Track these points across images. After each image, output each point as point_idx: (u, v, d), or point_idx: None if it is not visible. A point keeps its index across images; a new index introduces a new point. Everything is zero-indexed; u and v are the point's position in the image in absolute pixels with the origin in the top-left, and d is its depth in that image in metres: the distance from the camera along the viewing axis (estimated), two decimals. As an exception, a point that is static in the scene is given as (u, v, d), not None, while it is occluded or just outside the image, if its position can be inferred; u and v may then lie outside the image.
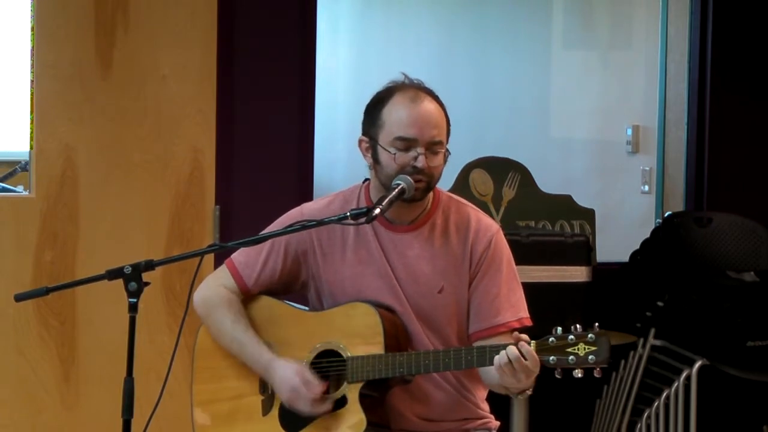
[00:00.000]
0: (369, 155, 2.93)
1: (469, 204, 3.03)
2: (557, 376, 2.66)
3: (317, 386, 2.86)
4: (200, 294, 3.05)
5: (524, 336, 2.69)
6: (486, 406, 3.05)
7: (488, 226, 2.98)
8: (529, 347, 2.64)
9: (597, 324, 2.64)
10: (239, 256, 3.04)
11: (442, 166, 2.90)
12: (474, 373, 2.98)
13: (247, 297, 3.03)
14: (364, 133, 2.95)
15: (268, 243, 2.97)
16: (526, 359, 2.64)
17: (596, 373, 2.62)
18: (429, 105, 2.88)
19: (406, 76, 2.94)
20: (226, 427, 3.00)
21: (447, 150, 2.90)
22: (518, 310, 2.94)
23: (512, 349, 2.65)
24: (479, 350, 2.77)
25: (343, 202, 3.01)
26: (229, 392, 3.01)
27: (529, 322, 2.94)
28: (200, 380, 3.06)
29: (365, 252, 2.96)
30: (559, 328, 2.65)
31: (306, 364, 2.91)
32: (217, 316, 3.01)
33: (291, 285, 3.05)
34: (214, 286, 3.04)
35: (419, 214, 2.96)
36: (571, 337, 2.63)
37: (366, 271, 2.95)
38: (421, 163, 2.84)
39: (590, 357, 2.61)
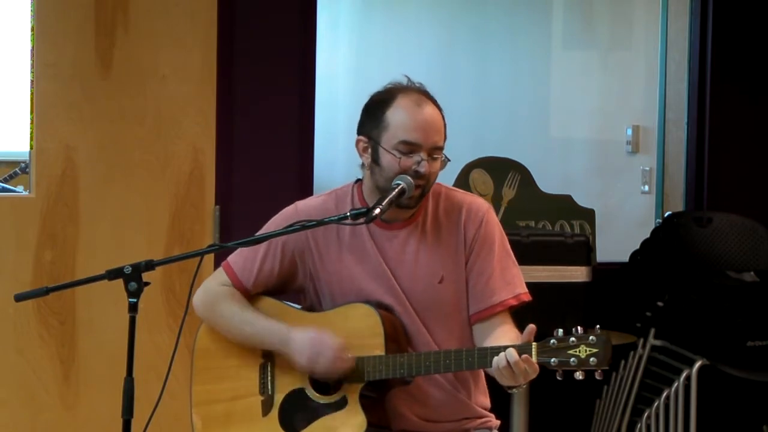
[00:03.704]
0: (367, 155, 2.92)
1: (458, 189, 3.04)
2: (558, 377, 2.65)
3: (338, 342, 2.85)
4: (200, 296, 3.05)
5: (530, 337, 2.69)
6: (487, 405, 3.05)
7: (479, 206, 2.98)
8: (530, 357, 2.64)
9: (598, 326, 2.64)
10: (236, 258, 3.04)
11: (438, 172, 2.91)
12: (474, 373, 2.98)
13: (245, 297, 3.03)
14: (362, 133, 2.93)
15: (265, 244, 2.96)
16: (524, 363, 2.64)
17: (597, 375, 2.62)
18: (432, 111, 2.89)
19: (408, 78, 2.93)
20: (226, 428, 2.99)
21: (445, 156, 2.90)
22: (514, 287, 2.94)
23: (512, 353, 2.65)
24: (480, 352, 2.77)
25: (337, 201, 3.00)
26: (229, 393, 3.01)
27: (527, 297, 2.94)
28: (199, 381, 3.05)
29: (361, 252, 2.95)
30: (560, 330, 2.64)
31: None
32: (222, 308, 3.00)
33: (288, 285, 3.04)
34: (213, 287, 3.04)
35: (413, 211, 2.95)
36: (573, 339, 2.62)
37: (363, 270, 2.94)
38: (423, 168, 2.84)
39: (592, 359, 2.61)
